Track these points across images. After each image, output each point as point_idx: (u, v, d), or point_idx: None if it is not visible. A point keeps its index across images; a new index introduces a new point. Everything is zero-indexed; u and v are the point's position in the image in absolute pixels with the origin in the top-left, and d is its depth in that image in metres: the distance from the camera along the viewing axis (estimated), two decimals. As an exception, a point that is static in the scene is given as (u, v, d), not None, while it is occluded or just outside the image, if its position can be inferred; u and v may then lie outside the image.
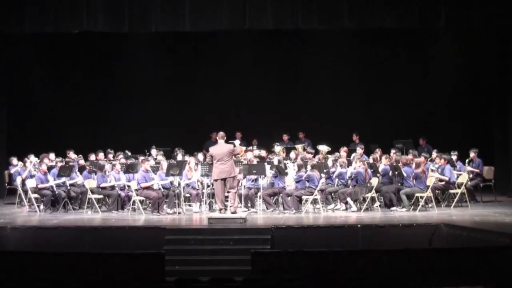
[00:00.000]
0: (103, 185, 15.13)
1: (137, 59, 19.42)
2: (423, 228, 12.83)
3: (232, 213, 13.65)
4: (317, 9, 15.77)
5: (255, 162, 15.53)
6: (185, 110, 19.73)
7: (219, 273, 11.37)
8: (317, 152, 16.64)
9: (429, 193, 14.59)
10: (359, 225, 13.02)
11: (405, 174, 14.73)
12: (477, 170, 15.90)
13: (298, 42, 19.34)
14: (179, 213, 14.56)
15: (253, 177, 15.00)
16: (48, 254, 11.19)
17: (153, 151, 17.09)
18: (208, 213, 14.64)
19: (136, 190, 14.76)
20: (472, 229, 12.54)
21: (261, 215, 14.53)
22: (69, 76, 19.42)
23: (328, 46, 19.00)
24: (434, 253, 11.19)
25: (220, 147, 13.90)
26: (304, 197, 14.71)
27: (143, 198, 14.95)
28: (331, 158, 15.71)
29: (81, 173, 15.67)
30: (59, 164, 15.37)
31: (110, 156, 16.74)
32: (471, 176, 15.76)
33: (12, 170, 16.18)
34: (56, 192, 15.01)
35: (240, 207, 14.61)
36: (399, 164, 14.90)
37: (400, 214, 14.32)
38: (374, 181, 14.82)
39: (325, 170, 15.06)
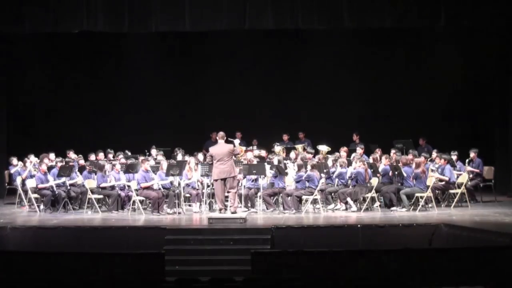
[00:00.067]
0: (103, 185, 15.13)
1: (137, 59, 19.42)
2: (423, 228, 12.83)
3: (232, 213, 13.65)
4: (317, 9, 15.79)
5: (255, 162, 15.53)
6: (185, 110, 19.74)
7: (219, 273, 11.38)
8: (317, 152, 16.64)
9: (429, 193, 14.59)
10: (359, 225, 13.03)
11: (405, 174, 14.73)
12: (477, 170, 15.91)
13: (298, 42, 19.34)
14: (179, 213, 14.56)
15: (253, 177, 15.00)
16: (48, 254, 11.18)
17: (153, 151, 17.10)
18: (208, 213, 14.64)
19: (136, 190, 14.76)
20: (472, 229, 12.54)
21: (261, 215, 14.52)
22: (69, 76, 19.44)
23: (328, 46, 19.00)
24: (434, 253, 11.17)
25: (220, 147, 13.90)
26: (304, 197, 14.71)
27: (143, 198, 14.95)
28: (331, 158, 15.72)
29: (81, 173, 15.67)
30: (59, 164, 15.37)
31: (110, 156, 16.74)
32: (471, 176, 15.76)
33: (12, 170, 16.19)
34: (56, 192, 15.01)
35: (240, 207, 14.61)
36: (399, 164, 14.90)
37: (400, 214, 14.32)
38: (374, 181, 14.82)
39: (325, 170, 15.07)
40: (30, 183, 15.21)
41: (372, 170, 15.05)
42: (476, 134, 18.01)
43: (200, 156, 16.38)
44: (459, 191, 15.08)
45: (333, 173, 15.23)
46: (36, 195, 15.22)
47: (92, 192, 14.95)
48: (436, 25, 16.26)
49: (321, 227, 13.02)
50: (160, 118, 19.58)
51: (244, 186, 15.05)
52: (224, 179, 13.73)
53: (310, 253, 11.06)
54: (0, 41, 17.35)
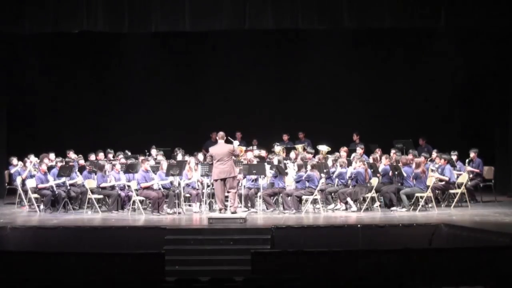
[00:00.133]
0: (103, 185, 15.13)
1: (137, 59, 19.43)
2: (423, 228, 12.83)
3: (232, 213, 13.65)
4: (317, 9, 15.78)
5: (255, 162, 15.53)
6: (185, 110, 19.74)
7: (219, 273, 11.38)
8: (317, 152, 16.64)
9: (429, 193, 14.59)
10: (359, 225, 13.03)
11: (405, 174, 14.73)
12: (477, 170, 15.90)
13: (298, 42, 19.34)
14: (179, 213, 14.56)
15: (253, 177, 15.00)
16: (48, 254, 11.18)
17: (153, 151, 17.10)
18: (208, 213, 14.64)
19: (136, 190, 14.76)
20: (472, 229, 12.54)
21: (261, 215, 14.52)
22: (69, 76, 19.43)
23: (328, 46, 19.00)
24: (434, 253, 11.17)
25: (220, 147, 13.90)
26: (304, 197, 14.71)
27: (143, 198, 14.95)
28: (331, 158, 15.72)
29: (81, 173, 15.67)
30: (59, 164, 15.37)
31: (110, 156, 16.74)
32: (471, 176, 15.76)
33: (12, 170, 16.19)
34: (56, 192, 15.01)
35: (240, 207, 14.61)
36: (399, 164, 14.90)
37: (400, 214, 14.32)
38: (374, 181, 14.82)
39: (325, 170, 15.06)
40: (30, 183, 15.21)
41: (372, 170, 15.05)
42: (476, 134, 18.00)
43: (200, 156, 16.38)
44: (459, 191, 15.08)
45: (333, 173, 15.23)
46: (36, 195, 15.22)
47: (92, 192, 14.95)
48: (436, 25, 16.25)
49: (321, 227, 13.02)
50: (160, 118, 19.58)
51: (244, 186, 15.05)
52: (224, 179, 13.73)
53: (310, 253, 11.05)
54: (0, 41, 17.36)
